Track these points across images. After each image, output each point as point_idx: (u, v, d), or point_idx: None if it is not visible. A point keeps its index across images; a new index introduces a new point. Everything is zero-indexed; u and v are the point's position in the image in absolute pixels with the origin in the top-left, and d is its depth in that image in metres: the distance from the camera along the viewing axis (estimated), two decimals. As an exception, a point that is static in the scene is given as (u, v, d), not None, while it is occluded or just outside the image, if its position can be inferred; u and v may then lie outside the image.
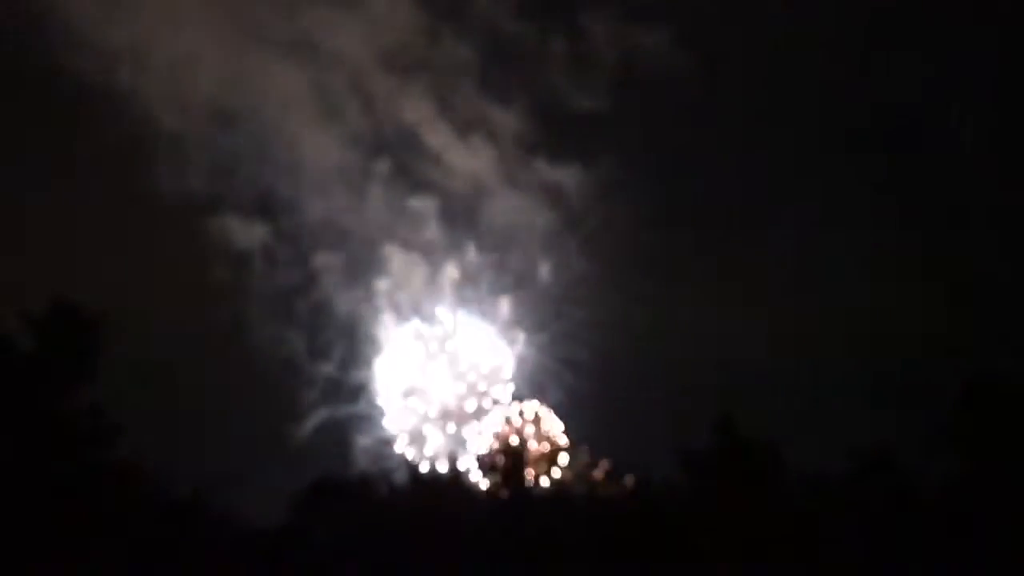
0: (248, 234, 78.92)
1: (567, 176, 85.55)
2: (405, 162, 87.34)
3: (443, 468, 45.19)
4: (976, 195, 69.99)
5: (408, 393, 75.78)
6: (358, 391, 76.51)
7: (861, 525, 33.98)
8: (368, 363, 78.30)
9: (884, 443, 36.32)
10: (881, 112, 75.65)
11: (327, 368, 75.45)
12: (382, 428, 78.42)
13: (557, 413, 78.47)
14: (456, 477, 42.04)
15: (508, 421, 75.91)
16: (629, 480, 39.57)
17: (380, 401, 76.76)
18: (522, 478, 42.84)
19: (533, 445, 64.80)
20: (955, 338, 58.35)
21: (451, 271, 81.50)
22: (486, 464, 44.53)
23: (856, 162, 79.93)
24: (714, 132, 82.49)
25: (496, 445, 58.60)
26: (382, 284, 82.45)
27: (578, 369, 76.92)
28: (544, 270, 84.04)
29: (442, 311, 78.72)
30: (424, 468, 48.09)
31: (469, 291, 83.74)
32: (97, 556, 29.78)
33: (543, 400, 78.61)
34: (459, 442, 78.94)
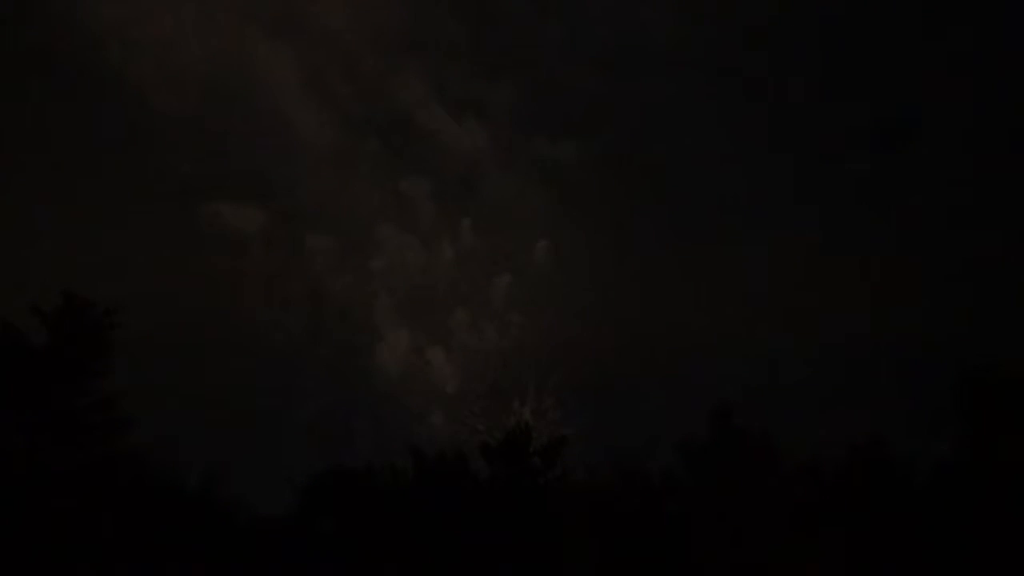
0: (242, 218, 78.42)
1: (563, 155, 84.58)
2: (399, 143, 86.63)
3: (447, 455, 45.74)
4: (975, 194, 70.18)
5: (409, 378, 75.37)
6: (357, 375, 76.67)
7: (856, 512, 34.58)
8: (367, 346, 77.94)
9: (879, 432, 36.89)
10: (881, 112, 75.58)
11: (326, 352, 74.98)
12: (384, 413, 78.68)
13: (556, 400, 78.85)
14: (460, 464, 42.43)
15: (510, 408, 76.38)
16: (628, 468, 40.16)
17: (380, 385, 76.77)
18: (525, 465, 43.29)
19: (535, 432, 65.16)
20: (952, 331, 58.80)
21: (447, 252, 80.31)
22: (489, 451, 44.92)
23: (859, 160, 79.74)
24: (713, 110, 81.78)
25: (499, 432, 59.06)
26: (377, 265, 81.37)
27: (576, 352, 77.20)
28: (541, 250, 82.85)
29: (439, 293, 77.77)
30: (427, 455, 48.56)
31: (465, 271, 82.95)
32: (108, 545, 30.50)
33: (542, 385, 78.96)
34: (463, 429, 79.43)
